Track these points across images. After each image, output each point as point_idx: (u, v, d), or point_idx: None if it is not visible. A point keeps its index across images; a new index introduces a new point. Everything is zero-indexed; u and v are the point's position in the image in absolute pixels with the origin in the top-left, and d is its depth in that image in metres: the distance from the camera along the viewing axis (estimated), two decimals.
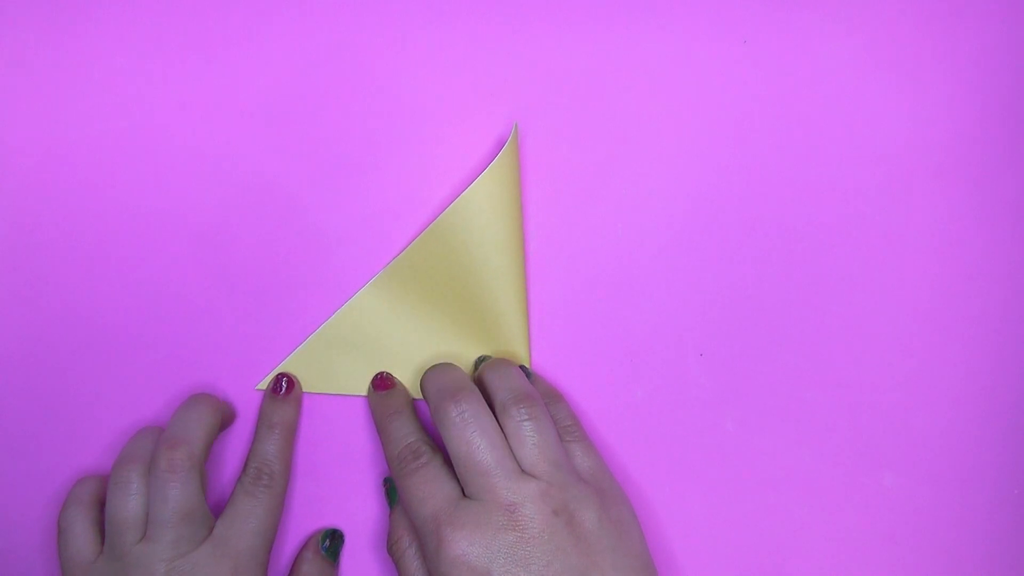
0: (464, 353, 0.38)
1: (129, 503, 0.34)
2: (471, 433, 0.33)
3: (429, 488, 0.33)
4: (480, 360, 0.38)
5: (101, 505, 0.36)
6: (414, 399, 0.38)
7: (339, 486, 0.39)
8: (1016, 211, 0.39)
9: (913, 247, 0.39)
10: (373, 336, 0.39)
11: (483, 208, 0.36)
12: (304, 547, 0.38)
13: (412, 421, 0.36)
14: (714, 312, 0.39)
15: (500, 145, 0.39)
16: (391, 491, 0.37)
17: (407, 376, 0.39)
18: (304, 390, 0.39)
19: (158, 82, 0.39)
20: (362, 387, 0.39)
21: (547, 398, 0.37)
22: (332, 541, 0.38)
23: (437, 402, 0.34)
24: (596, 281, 0.39)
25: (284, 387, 0.38)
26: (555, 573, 0.31)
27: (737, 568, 0.38)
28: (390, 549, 0.36)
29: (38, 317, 0.39)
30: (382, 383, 0.38)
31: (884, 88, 0.39)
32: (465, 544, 0.31)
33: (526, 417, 0.34)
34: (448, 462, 0.34)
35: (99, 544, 0.35)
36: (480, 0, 0.39)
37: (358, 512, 0.39)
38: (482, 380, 0.36)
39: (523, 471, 0.33)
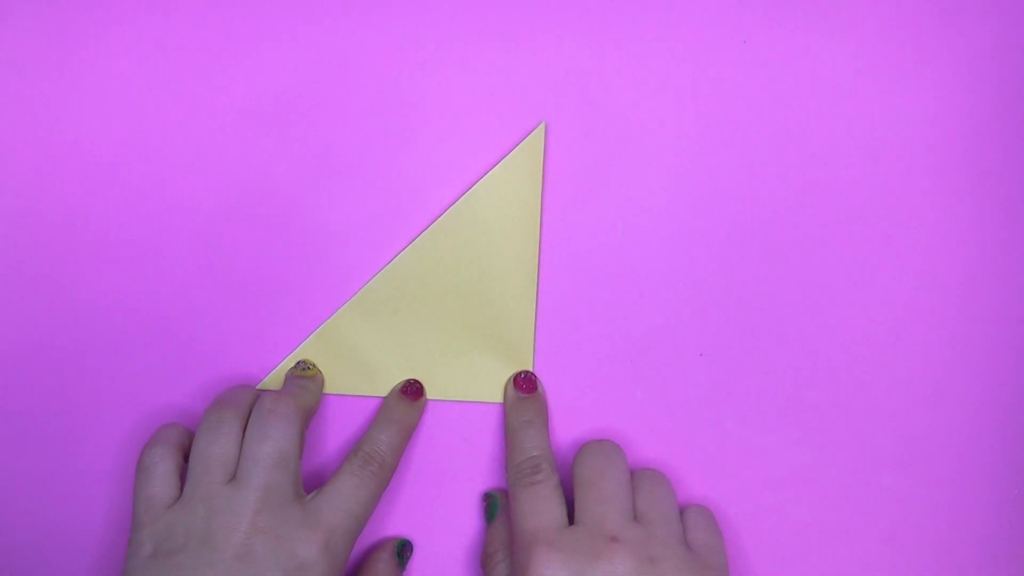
0: (468, 350, 0.39)
1: (220, 440, 0.33)
2: (606, 464, 0.34)
3: (539, 505, 0.33)
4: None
5: (186, 454, 0.35)
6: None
7: None
8: (1016, 211, 0.39)
9: (913, 246, 0.39)
10: (374, 334, 0.39)
11: (497, 199, 0.37)
12: (380, 548, 0.37)
13: (542, 435, 0.36)
14: (714, 312, 0.39)
15: (501, 149, 0.39)
16: (492, 506, 0.37)
17: (408, 374, 0.39)
18: None
19: (160, 81, 0.39)
20: (362, 388, 0.39)
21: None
22: (405, 550, 0.38)
23: (586, 443, 0.36)
24: (596, 281, 0.39)
25: (413, 390, 0.38)
26: None
27: (737, 568, 0.38)
28: (484, 560, 0.36)
29: (39, 316, 0.39)
30: (525, 384, 0.38)
31: (884, 88, 0.39)
32: (555, 567, 0.31)
33: (654, 476, 0.35)
34: (561, 487, 0.35)
35: (179, 489, 0.33)
36: (482, 4, 0.39)
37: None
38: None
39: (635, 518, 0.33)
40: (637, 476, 0.35)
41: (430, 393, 0.39)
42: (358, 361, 0.39)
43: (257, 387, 0.39)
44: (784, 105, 0.39)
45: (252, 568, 0.31)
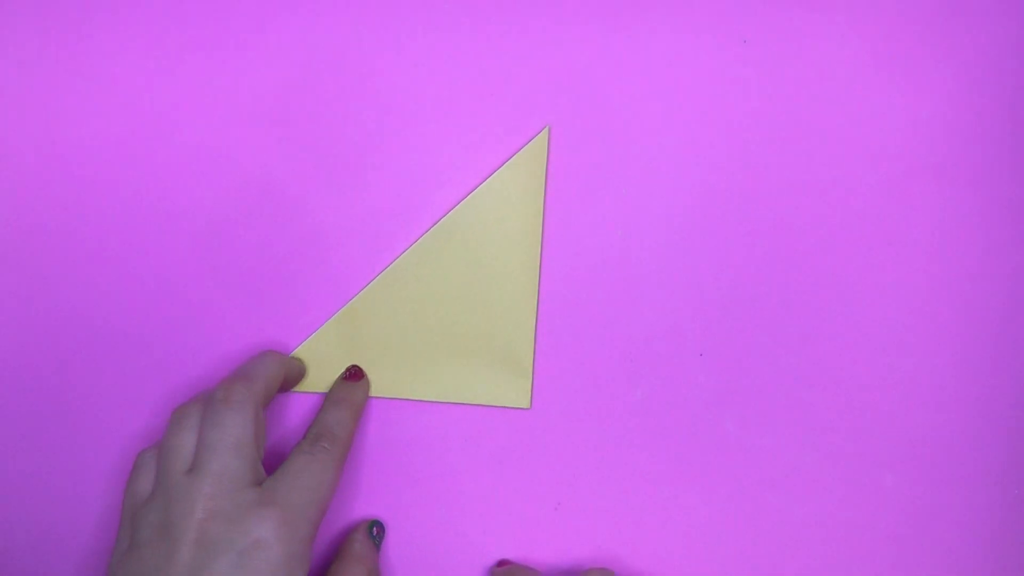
0: (469, 352, 0.39)
1: (183, 433, 0.33)
2: None
3: None
4: None
5: None
6: (420, 399, 0.39)
7: (338, 486, 0.39)
8: (1016, 211, 0.39)
9: (913, 247, 0.39)
10: (374, 335, 0.39)
11: (501, 202, 0.38)
12: (354, 530, 0.38)
13: None
14: (714, 312, 0.39)
15: (505, 152, 0.39)
16: None
17: (408, 375, 0.39)
18: (305, 390, 0.39)
19: (160, 81, 0.39)
20: None
21: None
22: (379, 530, 0.38)
23: (590, 570, 0.36)
24: (596, 281, 0.39)
25: (353, 373, 0.38)
26: None
27: (737, 568, 0.38)
28: None
29: (37, 317, 0.39)
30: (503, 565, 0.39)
31: (884, 88, 0.39)
32: None
33: None
34: None
35: None
36: (485, 8, 0.39)
37: (355, 512, 0.39)
38: None
39: None
40: None
41: (431, 395, 0.39)
42: (359, 362, 0.39)
43: None
44: (784, 106, 0.39)
45: (209, 552, 0.31)
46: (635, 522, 0.39)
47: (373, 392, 0.39)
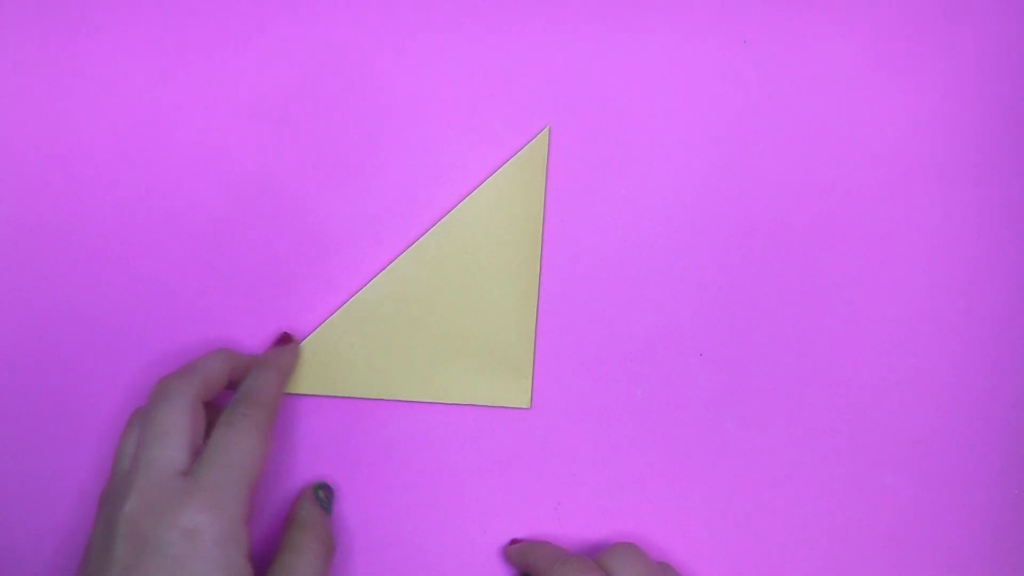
0: (468, 352, 0.39)
1: (130, 431, 0.34)
2: (650, 570, 0.35)
3: None
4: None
5: None
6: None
7: (339, 487, 0.39)
8: (1016, 211, 0.39)
9: (913, 247, 0.39)
10: (374, 335, 0.39)
11: (501, 202, 0.38)
12: (300, 497, 0.37)
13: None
14: (714, 312, 0.39)
15: (505, 152, 0.39)
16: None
17: (407, 375, 0.39)
18: (304, 391, 0.39)
19: (159, 82, 0.39)
20: (361, 389, 0.39)
21: None
22: (327, 492, 0.38)
23: (616, 544, 0.36)
24: (596, 281, 0.39)
25: (281, 338, 0.38)
26: None
27: (737, 568, 0.38)
28: None
29: (38, 316, 0.39)
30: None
31: (884, 88, 0.39)
32: None
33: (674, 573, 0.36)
34: None
35: None
36: (485, 8, 0.39)
37: (355, 513, 0.39)
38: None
39: None
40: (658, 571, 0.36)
41: (431, 395, 0.39)
42: (358, 363, 0.39)
43: None
44: (784, 106, 0.39)
45: (141, 547, 0.30)
46: (635, 522, 0.39)
47: (373, 393, 0.39)
